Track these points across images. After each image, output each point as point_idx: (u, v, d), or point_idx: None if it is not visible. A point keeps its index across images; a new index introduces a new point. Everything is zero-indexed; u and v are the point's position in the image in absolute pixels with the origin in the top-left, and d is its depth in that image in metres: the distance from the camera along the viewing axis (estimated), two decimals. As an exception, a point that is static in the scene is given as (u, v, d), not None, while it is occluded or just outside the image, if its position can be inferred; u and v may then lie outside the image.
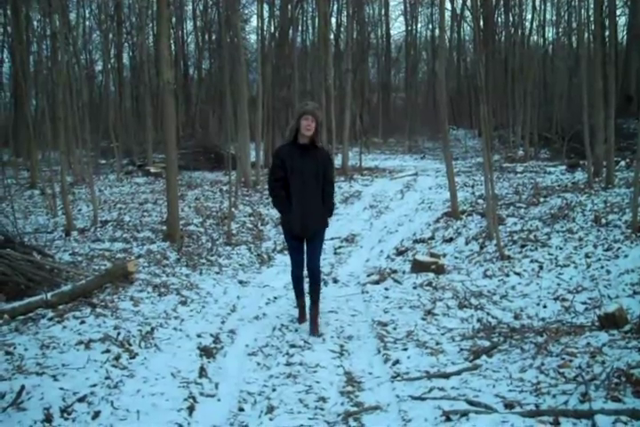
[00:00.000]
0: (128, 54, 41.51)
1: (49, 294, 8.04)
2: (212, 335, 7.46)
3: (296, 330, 7.88)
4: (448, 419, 4.97)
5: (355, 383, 6.06)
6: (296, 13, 27.93)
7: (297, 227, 7.57)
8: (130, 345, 6.75)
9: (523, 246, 11.12)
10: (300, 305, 8.16)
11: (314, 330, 7.61)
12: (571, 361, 5.82)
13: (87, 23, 37.48)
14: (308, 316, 8.00)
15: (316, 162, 7.54)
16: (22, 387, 5.28)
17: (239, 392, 5.83)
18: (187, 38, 45.15)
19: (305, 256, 7.82)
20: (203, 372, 6.23)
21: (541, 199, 14.90)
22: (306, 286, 8.17)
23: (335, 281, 10.78)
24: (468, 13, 39.78)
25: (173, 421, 5.10)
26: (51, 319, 7.45)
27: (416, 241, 13.14)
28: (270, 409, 5.40)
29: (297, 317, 8.20)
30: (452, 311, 8.29)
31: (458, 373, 6.05)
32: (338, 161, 25.12)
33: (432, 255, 11.20)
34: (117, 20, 33.93)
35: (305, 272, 7.96)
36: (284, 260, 12.36)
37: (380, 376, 6.17)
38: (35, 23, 30.13)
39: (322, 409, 5.45)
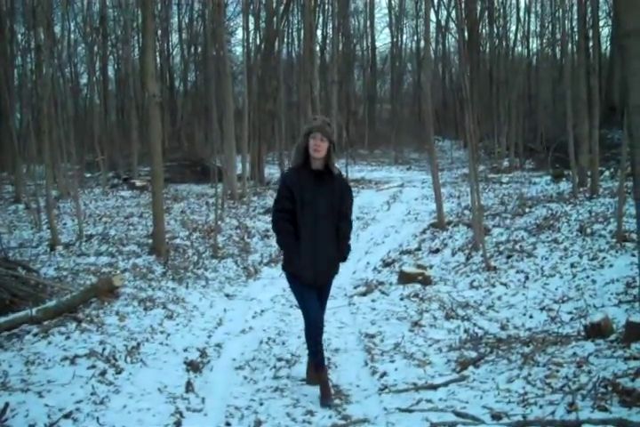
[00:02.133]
0: (113, 67, 41.51)
1: (34, 310, 8.00)
2: (198, 349, 7.42)
3: (283, 343, 7.87)
4: (436, 431, 4.97)
5: (342, 396, 6.04)
6: (281, 26, 27.94)
7: (308, 276, 5.97)
8: (116, 360, 6.70)
9: (509, 257, 11.14)
10: (316, 363, 6.21)
11: (326, 396, 5.94)
12: (557, 371, 5.83)
13: (72, 36, 37.38)
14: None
15: (332, 193, 5.96)
16: (6, 404, 5.23)
17: (226, 407, 5.79)
18: (172, 51, 45.14)
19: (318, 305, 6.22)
20: (189, 386, 6.19)
21: (527, 210, 14.95)
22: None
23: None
24: (452, 25, 39.92)
25: (160, 436, 5.06)
26: (35, 335, 7.41)
27: (402, 252, 13.14)
28: (258, 424, 5.38)
29: (306, 378, 6.47)
30: (438, 322, 8.30)
31: (445, 384, 6.05)
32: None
33: (418, 267, 11.22)
34: (102, 33, 33.92)
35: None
36: (270, 273, 12.38)
37: (368, 389, 6.16)
38: (19, 36, 30.11)
39: (309, 423, 5.44)
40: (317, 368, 6.14)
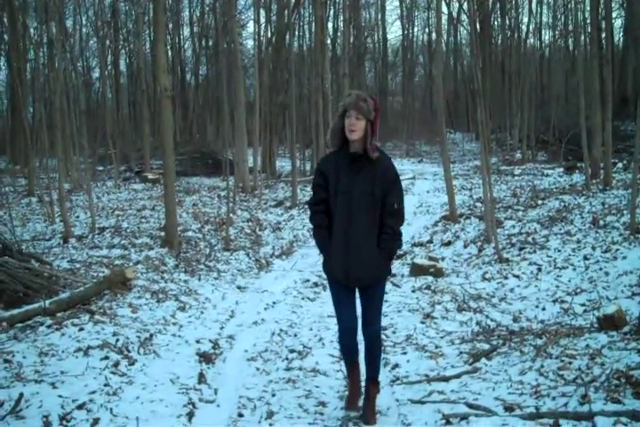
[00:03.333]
0: (125, 61, 41.60)
1: (47, 302, 8.02)
2: (210, 341, 7.45)
3: (295, 335, 7.88)
4: (448, 422, 4.98)
5: (354, 388, 6.03)
6: (292, 19, 27.85)
7: (339, 275, 5.23)
8: (128, 352, 6.72)
9: (521, 249, 11.12)
10: (352, 380, 5.59)
11: (369, 417, 5.25)
12: (570, 363, 5.81)
13: (84, 30, 37.40)
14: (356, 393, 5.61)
15: (373, 180, 5.09)
16: (21, 395, 5.26)
17: (238, 398, 5.80)
18: (184, 44, 45.11)
19: (356, 310, 5.35)
20: (202, 378, 6.22)
21: (539, 202, 14.90)
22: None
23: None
24: (464, 17, 39.73)
25: (173, 427, 5.08)
26: (49, 327, 7.43)
27: (414, 245, 13.12)
28: (270, 414, 5.40)
29: (346, 397, 5.66)
30: (450, 314, 8.29)
31: (457, 376, 6.05)
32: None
33: (430, 259, 11.20)
34: (114, 27, 33.96)
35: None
36: (282, 265, 12.37)
37: (380, 380, 6.16)
38: (31, 30, 30.07)
39: (322, 414, 5.45)
40: (354, 385, 5.55)
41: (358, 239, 5.11)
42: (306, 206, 15.50)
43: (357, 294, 5.34)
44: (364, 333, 5.34)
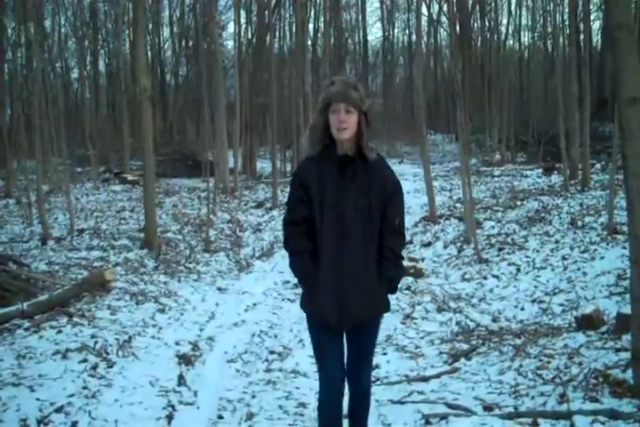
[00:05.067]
0: (104, 61, 41.33)
1: (25, 304, 7.96)
2: (190, 343, 7.41)
3: (275, 336, 7.85)
4: (428, 422, 5.00)
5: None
6: (273, 19, 27.91)
7: (329, 313, 3.99)
8: (107, 354, 6.68)
9: (500, 250, 11.17)
10: None
11: None
12: (549, 363, 5.84)
13: (62, 30, 37.20)
14: None
15: (369, 191, 3.94)
16: (-2, 398, 5.23)
17: (218, 400, 5.78)
18: (163, 45, 44.94)
19: (344, 363, 4.15)
20: (181, 380, 6.18)
21: (518, 203, 14.98)
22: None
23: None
24: (444, 19, 39.87)
25: (152, 430, 5.06)
26: (27, 329, 7.38)
27: (394, 246, 13.11)
28: (250, 416, 5.38)
29: None
30: (430, 315, 8.32)
31: (437, 376, 6.07)
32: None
33: (410, 259, 11.20)
34: (93, 27, 33.77)
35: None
36: (262, 266, 12.33)
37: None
38: (9, 31, 29.89)
39: (302, 415, 5.43)
40: None
41: (354, 268, 3.93)
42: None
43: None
44: (352, 389, 4.21)
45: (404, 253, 12.05)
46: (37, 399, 5.36)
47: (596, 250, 9.81)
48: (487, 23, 34.32)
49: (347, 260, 3.92)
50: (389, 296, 4.16)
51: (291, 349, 7.29)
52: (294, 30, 27.20)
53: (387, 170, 4.06)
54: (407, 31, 48.86)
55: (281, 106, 27.87)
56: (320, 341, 4.10)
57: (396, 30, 50.47)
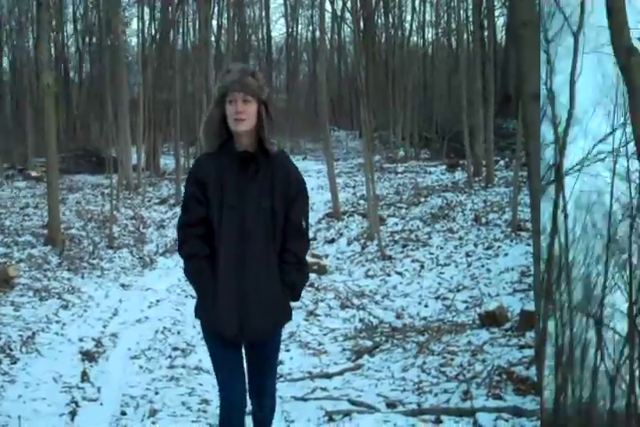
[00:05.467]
0: (7, 58, 40.18)
1: None
2: (93, 339, 7.40)
3: (178, 333, 7.79)
4: (331, 419, 4.96)
5: (237, 386, 5.94)
6: (177, 16, 27.52)
7: (228, 324, 3.56)
8: (11, 350, 6.64)
9: (404, 246, 11.23)
10: None
11: None
12: (452, 360, 5.86)
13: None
14: None
15: (271, 189, 3.61)
16: None
17: (122, 396, 5.72)
18: (67, 41, 43.95)
19: (245, 376, 3.76)
20: (85, 376, 6.13)
21: (422, 199, 15.10)
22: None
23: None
24: (348, 15, 40.07)
25: (55, 426, 5.00)
26: None
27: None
28: (153, 412, 5.31)
29: None
30: (334, 312, 8.31)
31: (340, 373, 6.06)
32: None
33: (314, 256, 11.15)
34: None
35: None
36: (166, 263, 12.24)
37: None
38: None
39: (205, 412, 5.38)
40: None
41: (256, 273, 3.57)
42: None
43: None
44: (256, 406, 3.90)
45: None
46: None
47: (499, 247, 9.96)
48: (391, 19, 34.57)
49: (248, 264, 3.56)
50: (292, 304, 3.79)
51: (194, 345, 7.23)
52: (198, 27, 26.87)
53: (290, 165, 3.74)
54: (311, 27, 48.97)
55: (185, 102, 27.54)
56: (215, 353, 3.73)
57: (299, 26, 50.47)
